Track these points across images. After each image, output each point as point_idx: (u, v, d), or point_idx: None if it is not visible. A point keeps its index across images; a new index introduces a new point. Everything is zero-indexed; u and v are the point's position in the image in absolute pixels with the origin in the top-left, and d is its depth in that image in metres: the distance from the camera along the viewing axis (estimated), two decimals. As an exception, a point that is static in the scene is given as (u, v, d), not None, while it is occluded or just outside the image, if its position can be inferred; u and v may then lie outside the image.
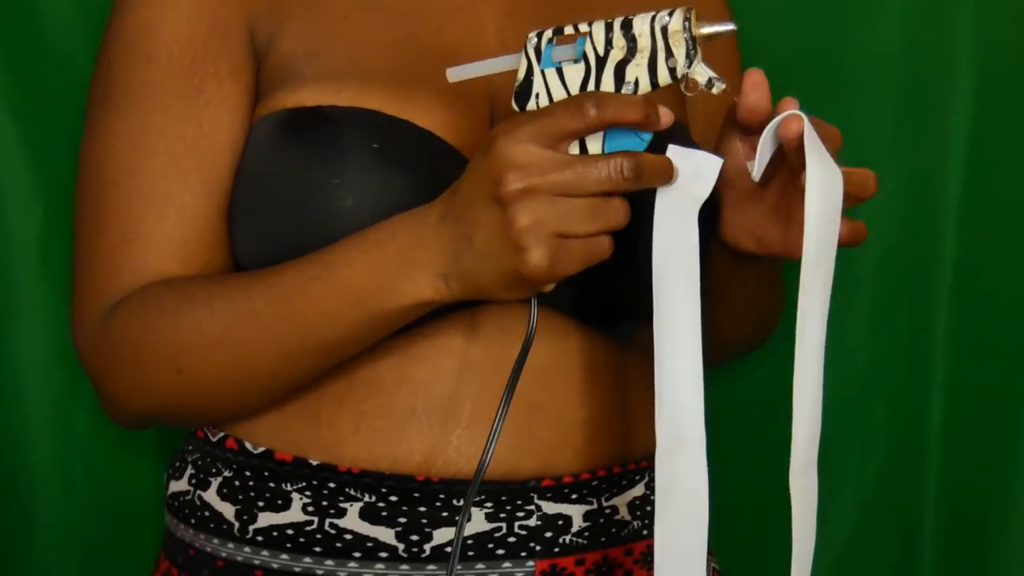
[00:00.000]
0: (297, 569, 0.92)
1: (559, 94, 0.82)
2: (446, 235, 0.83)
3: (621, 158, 0.78)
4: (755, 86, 0.82)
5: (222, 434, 0.97)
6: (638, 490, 0.98)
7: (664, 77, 0.79)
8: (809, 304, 0.80)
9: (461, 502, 0.92)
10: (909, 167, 1.30)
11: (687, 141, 0.96)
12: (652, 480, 0.99)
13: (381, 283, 0.85)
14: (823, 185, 0.79)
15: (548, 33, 0.82)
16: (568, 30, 0.82)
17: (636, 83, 0.80)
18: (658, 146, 0.81)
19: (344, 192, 0.90)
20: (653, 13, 0.80)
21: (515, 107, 0.83)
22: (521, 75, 0.83)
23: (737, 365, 1.26)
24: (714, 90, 0.79)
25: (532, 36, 0.83)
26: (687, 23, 0.79)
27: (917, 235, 1.30)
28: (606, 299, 0.95)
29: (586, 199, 0.79)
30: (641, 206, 0.82)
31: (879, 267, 1.32)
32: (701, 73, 0.79)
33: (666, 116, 0.79)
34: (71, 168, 1.00)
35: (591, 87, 0.81)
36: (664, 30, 0.79)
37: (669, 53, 0.79)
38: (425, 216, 0.85)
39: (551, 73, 0.82)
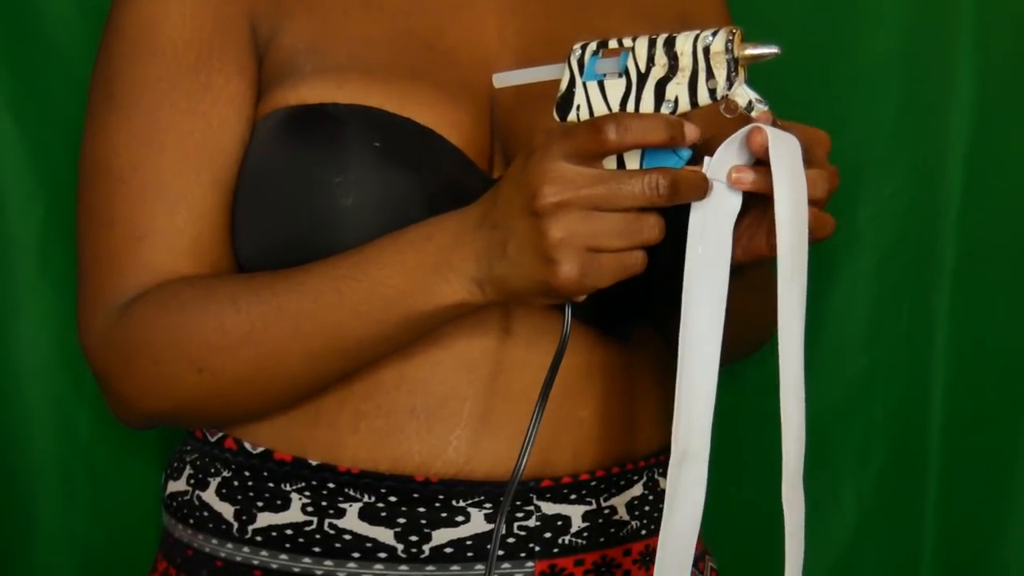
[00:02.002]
0: (296, 569, 0.92)
1: (599, 107, 0.82)
2: (481, 240, 0.83)
3: (656, 174, 0.78)
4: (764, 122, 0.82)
5: (221, 434, 0.97)
6: (636, 490, 0.98)
7: (704, 97, 0.79)
8: (788, 318, 0.81)
9: (460, 502, 0.92)
10: (909, 167, 1.30)
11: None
12: (650, 480, 0.99)
13: (416, 284, 0.85)
14: (791, 198, 0.79)
15: (592, 46, 0.82)
16: (612, 44, 0.82)
17: (676, 102, 0.80)
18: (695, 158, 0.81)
19: (346, 190, 0.90)
20: (697, 32, 0.80)
21: (556, 117, 0.83)
22: (564, 86, 0.83)
23: (734, 366, 1.26)
24: (754, 113, 0.79)
25: (577, 48, 0.83)
26: (729, 44, 0.78)
27: (917, 235, 1.30)
28: (608, 300, 0.95)
29: (621, 214, 0.79)
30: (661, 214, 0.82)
31: (879, 267, 1.32)
32: (742, 95, 0.79)
33: (692, 133, 0.79)
34: (71, 168, 1.00)
35: (631, 103, 0.81)
36: (706, 50, 0.79)
37: (710, 74, 0.79)
38: (462, 220, 0.85)
39: (593, 86, 0.82)
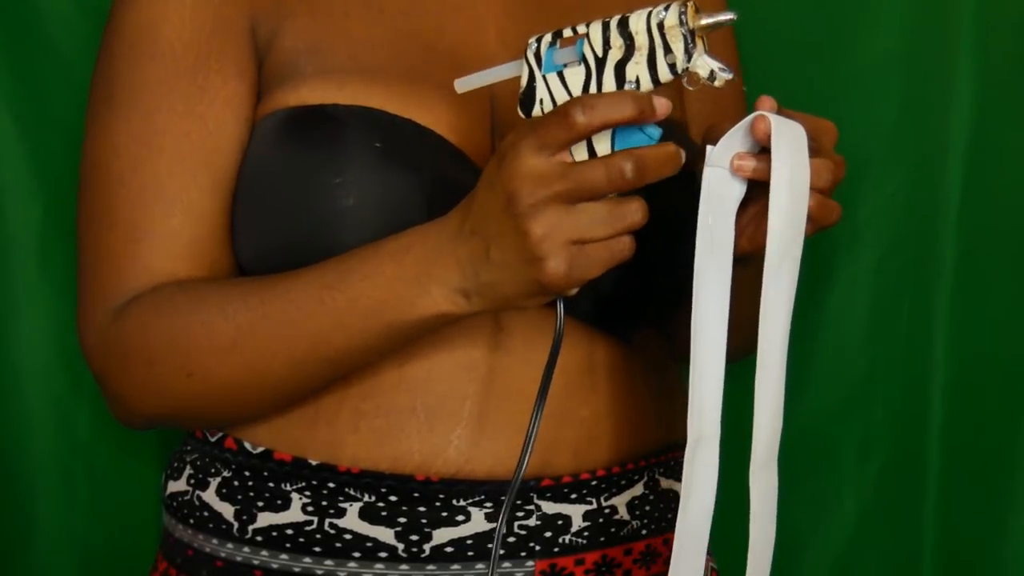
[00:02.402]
0: (296, 569, 0.92)
1: (562, 98, 0.81)
2: (463, 250, 0.83)
3: (620, 159, 0.77)
4: (767, 109, 0.83)
5: (221, 434, 0.97)
6: (637, 490, 0.98)
7: (664, 74, 0.78)
8: (772, 303, 0.81)
9: (461, 501, 0.92)
10: (909, 167, 1.30)
11: (684, 140, 0.96)
12: (651, 480, 0.99)
13: (397, 296, 0.85)
14: (789, 185, 0.80)
15: (548, 37, 0.82)
16: (567, 32, 0.81)
17: (637, 81, 0.79)
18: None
19: (346, 191, 0.90)
20: (649, 9, 0.78)
21: (521, 114, 0.83)
22: (524, 82, 0.82)
23: (737, 368, 1.26)
24: (716, 82, 0.78)
25: (532, 41, 0.82)
26: (683, 17, 0.77)
27: (917, 235, 1.30)
28: (608, 300, 0.95)
29: (601, 203, 0.78)
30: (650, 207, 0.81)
31: (879, 267, 1.32)
32: (703, 66, 0.78)
33: (662, 106, 0.78)
34: (71, 168, 1.00)
35: (592, 89, 0.80)
36: (660, 26, 0.77)
37: (667, 49, 0.78)
38: (440, 230, 0.85)
39: (553, 77, 0.81)
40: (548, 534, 0.94)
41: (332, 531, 0.92)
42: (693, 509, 0.84)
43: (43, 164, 1.26)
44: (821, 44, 1.31)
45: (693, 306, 0.82)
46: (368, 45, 0.96)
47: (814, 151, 0.82)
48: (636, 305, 0.98)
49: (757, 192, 0.84)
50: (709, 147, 0.81)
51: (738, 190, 0.82)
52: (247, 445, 0.95)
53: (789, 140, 0.79)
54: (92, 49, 1.01)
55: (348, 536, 0.92)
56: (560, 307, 0.84)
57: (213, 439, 0.97)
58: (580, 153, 0.79)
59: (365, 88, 0.93)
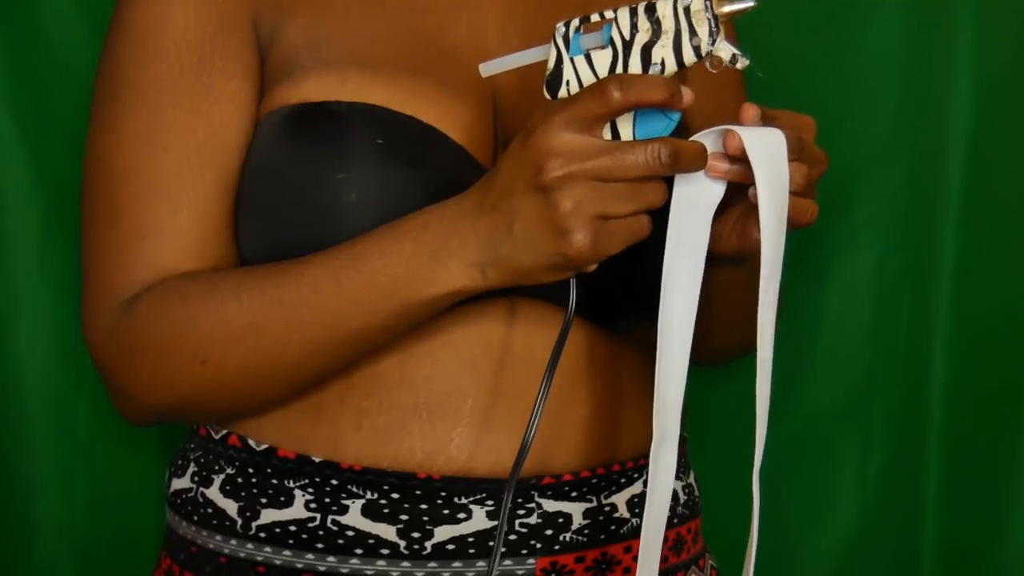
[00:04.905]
0: (299, 566, 0.92)
1: (588, 79, 0.83)
2: (482, 224, 0.83)
3: (658, 144, 0.79)
4: (750, 120, 0.84)
5: (224, 431, 0.97)
6: (636, 487, 0.98)
7: (689, 56, 0.81)
8: (766, 312, 0.83)
9: (462, 499, 0.92)
10: (909, 167, 1.30)
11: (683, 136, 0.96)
12: (651, 478, 1.00)
13: (415, 272, 0.86)
14: (774, 196, 0.82)
15: (575, 22, 0.84)
16: (594, 18, 0.83)
17: (663, 64, 0.82)
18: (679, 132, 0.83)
19: (349, 187, 0.90)
20: None
21: (546, 95, 0.85)
22: (551, 64, 0.84)
23: (738, 366, 1.26)
24: (738, 65, 0.81)
25: (560, 26, 0.84)
26: (708, 2, 0.80)
27: (917, 235, 1.31)
28: (605, 295, 0.96)
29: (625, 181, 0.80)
30: None
31: (879, 267, 1.32)
32: (725, 50, 0.81)
33: (688, 95, 0.81)
34: (71, 168, 1.00)
35: (619, 70, 0.82)
36: (687, 10, 0.81)
37: (693, 32, 0.81)
38: (459, 206, 0.85)
39: (580, 60, 0.83)
40: (549, 532, 0.94)
41: (335, 528, 0.92)
42: (657, 505, 0.86)
43: (43, 164, 1.26)
44: (821, 44, 1.32)
45: (661, 306, 0.84)
46: (370, 41, 0.97)
47: (795, 151, 0.83)
48: (633, 301, 0.98)
49: (739, 194, 0.85)
50: (696, 135, 0.83)
51: (714, 192, 0.84)
52: (251, 442, 0.95)
53: (764, 153, 0.82)
54: (92, 49, 1.01)
55: (350, 533, 0.92)
56: (573, 284, 0.85)
57: (217, 436, 0.97)
58: (605, 133, 0.82)
59: (367, 84, 0.94)
